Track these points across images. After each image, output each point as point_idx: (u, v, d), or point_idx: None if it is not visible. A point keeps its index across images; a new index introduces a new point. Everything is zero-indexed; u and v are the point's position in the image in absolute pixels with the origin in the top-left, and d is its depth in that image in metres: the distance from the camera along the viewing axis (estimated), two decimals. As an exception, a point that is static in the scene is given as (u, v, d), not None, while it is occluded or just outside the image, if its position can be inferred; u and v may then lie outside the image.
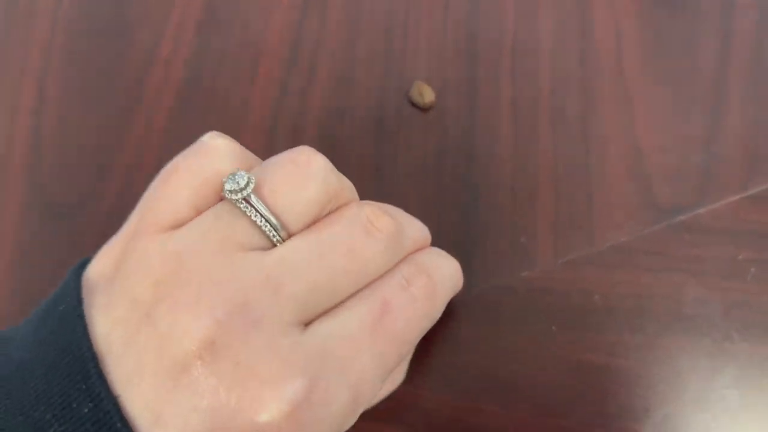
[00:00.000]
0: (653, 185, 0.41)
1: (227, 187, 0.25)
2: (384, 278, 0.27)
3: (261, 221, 0.24)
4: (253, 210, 0.24)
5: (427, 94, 0.43)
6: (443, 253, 0.34)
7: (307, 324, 0.24)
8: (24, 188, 0.43)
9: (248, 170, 0.27)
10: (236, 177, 0.25)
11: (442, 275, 0.30)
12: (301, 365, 0.22)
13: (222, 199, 0.26)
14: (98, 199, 0.43)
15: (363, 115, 0.44)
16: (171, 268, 0.23)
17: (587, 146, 0.42)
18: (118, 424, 0.21)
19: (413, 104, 0.43)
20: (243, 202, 0.25)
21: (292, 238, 0.25)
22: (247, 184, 0.25)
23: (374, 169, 0.43)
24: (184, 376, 0.21)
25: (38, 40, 0.46)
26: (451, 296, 0.33)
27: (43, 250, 0.42)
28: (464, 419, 0.37)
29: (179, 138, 0.44)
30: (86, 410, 0.21)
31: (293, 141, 0.44)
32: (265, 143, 0.44)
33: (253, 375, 0.22)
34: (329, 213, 0.27)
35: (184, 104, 0.45)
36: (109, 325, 0.23)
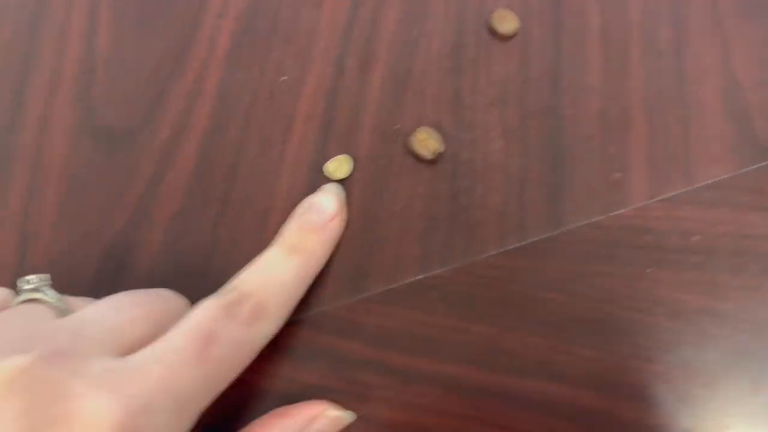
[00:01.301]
0: (753, 121, 0.39)
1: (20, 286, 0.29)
2: (203, 306, 0.28)
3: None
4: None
5: (509, 22, 0.40)
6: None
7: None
8: (75, 114, 0.40)
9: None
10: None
11: (267, 293, 0.31)
12: (115, 387, 0.23)
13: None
14: (154, 126, 0.40)
15: (439, 44, 0.41)
16: None
17: (681, 79, 0.40)
18: None
19: (494, 33, 0.41)
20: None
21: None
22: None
23: (453, 100, 0.40)
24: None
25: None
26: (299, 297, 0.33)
27: (95, 179, 0.39)
28: (556, 361, 0.34)
29: (241, 64, 0.42)
30: None
31: (362, 73, 0.41)
32: (332, 73, 0.41)
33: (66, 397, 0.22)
34: None
35: (246, 29, 0.42)
36: None
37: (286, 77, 0.41)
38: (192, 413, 0.25)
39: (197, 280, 0.37)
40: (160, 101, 0.41)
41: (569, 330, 0.35)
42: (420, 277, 0.36)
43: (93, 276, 0.37)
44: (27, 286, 0.29)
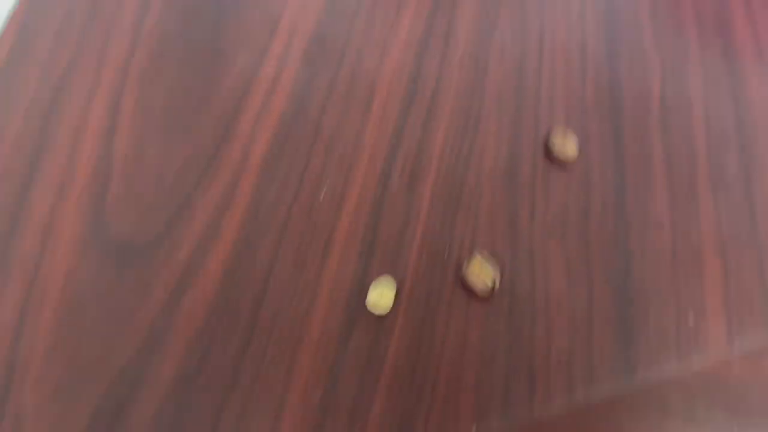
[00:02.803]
0: (831, 264, 0.36)
1: None
2: None
3: None
4: None
5: (568, 147, 0.37)
6: None
7: None
8: (84, 221, 0.36)
9: None
10: None
11: None
12: None
13: None
14: (174, 241, 0.36)
15: (492, 160, 0.38)
16: None
17: (752, 211, 0.37)
18: None
19: (551, 154, 0.38)
20: None
21: None
22: None
23: (508, 225, 0.36)
24: None
25: (115, 59, 0.40)
26: None
27: (101, 300, 0.34)
28: None
29: (278, 173, 0.38)
30: None
31: (410, 187, 0.37)
32: (376, 190, 0.38)
33: None
34: None
35: (285, 139, 0.39)
36: None
37: (325, 190, 0.37)
38: None
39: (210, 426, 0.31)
40: (183, 212, 0.36)
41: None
42: (473, 429, 0.31)
43: (88, 424, 0.31)
44: None
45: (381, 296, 0.34)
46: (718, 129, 0.39)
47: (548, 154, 0.38)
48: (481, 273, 0.34)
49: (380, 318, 0.34)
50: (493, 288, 0.34)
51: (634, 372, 0.33)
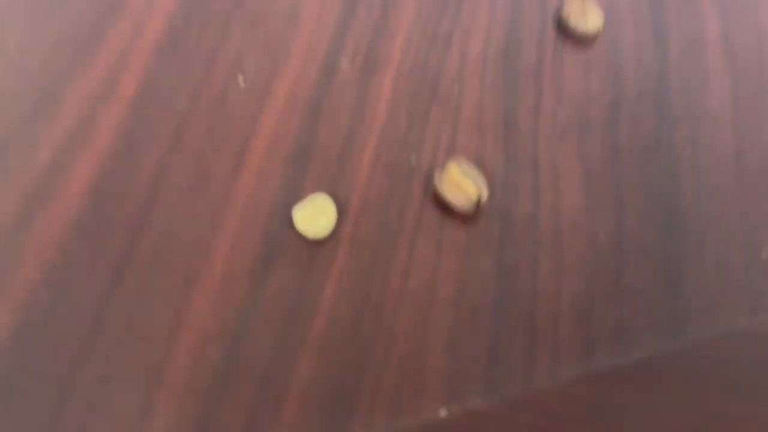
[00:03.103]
0: None
1: None
2: None
3: None
4: None
5: (591, 15, 0.27)
6: None
7: None
8: None
9: None
10: None
11: None
12: None
13: None
14: (32, 144, 0.25)
15: (482, 43, 0.28)
16: None
17: None
18: None
19: (565, 28, 0.27)
20: None
21: None
22: None
23: (503, 123, 0.26)
24: None
25: None
26: None
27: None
28: None
29: (178, 56, 0.27)
30: None
31: (363, 77, 0.27)
32: (316, 79, 0.27)
33: None
34: None
35: (192, 11, 0.28)
36: None
37: (243, 78, 0.27)
38: None
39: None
40: (47, 105, 0.26)
41: None
42: (443, 413, 0.21)
43: None
44: None
45: (313, 215, 0.23)
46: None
47: (561, 27, 0.27)
48: (462, 183, 0.23)
49: (313, 250, 0.23)
50: (478, 204, 0.23)
51: (685, 326, 0.22)
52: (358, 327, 0.22)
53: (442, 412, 0.21)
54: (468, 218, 0.24)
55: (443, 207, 0.24)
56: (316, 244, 0.24)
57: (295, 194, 0.24)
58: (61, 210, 0.24)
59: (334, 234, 0.24)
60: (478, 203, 0.23)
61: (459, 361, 0.22)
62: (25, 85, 0.27)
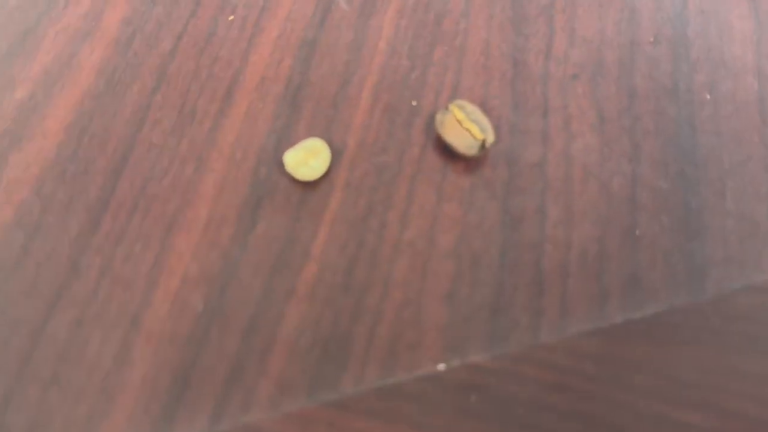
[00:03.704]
0: None
1: None
2: None
3: None
4: None
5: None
6: None
7: None
8: None
9: None
10: None
11: None
12: None
13: None
14: (9, 81, 0.24)
15: (487, -16, 0.26)
16: None
17: None
18: None
19: (576, -30, 0.25)
20: None
21: None
22: None
23: (511, 65, 0.24)
24: None
25: None
26: None
27: None
28: None
29: None
30: None
31: (362, 14, 0.25)
32: (311, 15, 0.25)
33: None
34: None
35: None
36: None
37: (233, 17, 0.25)
38: None
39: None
40: (27, 41, 0.24)
41: None
42: (441, 367, 0.19)
43: None
44: None
45: (306, 158, 0.22)
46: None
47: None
48: (466, 125, 0.22)
49: (305, 195, 0.22)
50: (483, 148, 0.22)
51: (704, 279, 0.20)
52: (351, 275, 0.21)
53: (440, 367, 0.20)
54: (472, 164, 0.22)
55: (445, 151, 0.22)
56: (308, 188, 0.22)
57: (286, 136, 0.23)
58: (38, 149, 0.23)
59: (328, 178, 0.22)
60: (482, 147, 0.22)
61: (459, 313, 0.20)
62: (4, 21, 0.25)
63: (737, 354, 0.20)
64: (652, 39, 0.24)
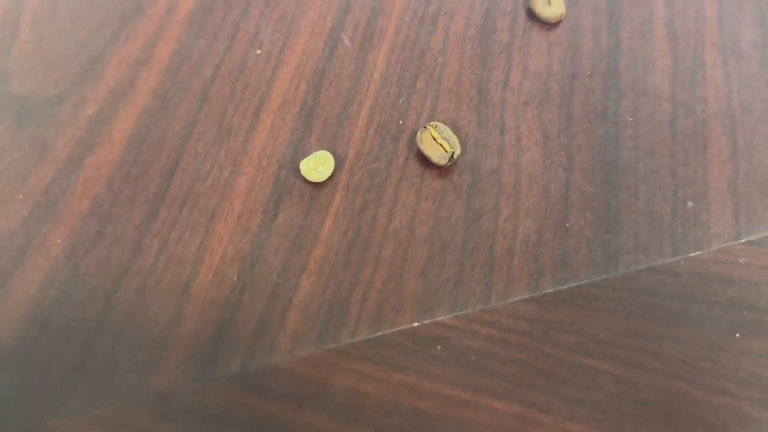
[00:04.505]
0: None
1: None
2: None
3: None
4: None
5: (556, 3, 0.31)
6: None
7: None
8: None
9: None
10: None
11: None
12: None
13: None
14: (81, 100, 0.30)
15: (462, 25, 0.32)
16: None
17: (771, 89, 0.31)
18: None
19: (533, 14, 0.32)
20: None
21: None
22: None
23: (476, 94, 0.30)
24: None
25: None
26: None
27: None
28: None
29: (206, 29, 0.31)
30: None
31: (361, 50, 0.32)
32: (321, 51, 0.32)
33: None
34: None
35: None
36: None
37: (261, 50, 0.32)
38: None
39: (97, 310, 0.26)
40: (94, 67, 0.31)
41: (622, 415, 0.24)
42: (416, 324, 0.26)
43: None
44: None
45: (317, 163, 0.28)
46: (736, -8, 0.32)
47: (531, 13, 0.32)
48: (439, 140, 0.28)
49: (315, 193, 0.28)
50: (452, 159, 0.28)
51: (617, 261, 0.27)
52: (350, 256, 0.27)
53: (415, 324, 0.26)
54: (443, 171, 0.29)
55: (423, 161, 0.29)
56: (317, 188, 0.29)
57: (301, 147, 0.29)
58: (107, 155, 0.29)
59: (332, 181, 0.29)
60: (452, 158, 0.28)
61: (430, 285, 0.27)
62: (76, 51, 0.32)
63: (639, 319, 0.26)
64: (589, 72, 0.31)
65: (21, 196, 0.28)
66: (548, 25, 0.32)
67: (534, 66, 0.31)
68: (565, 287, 0.27)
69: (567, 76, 0.31)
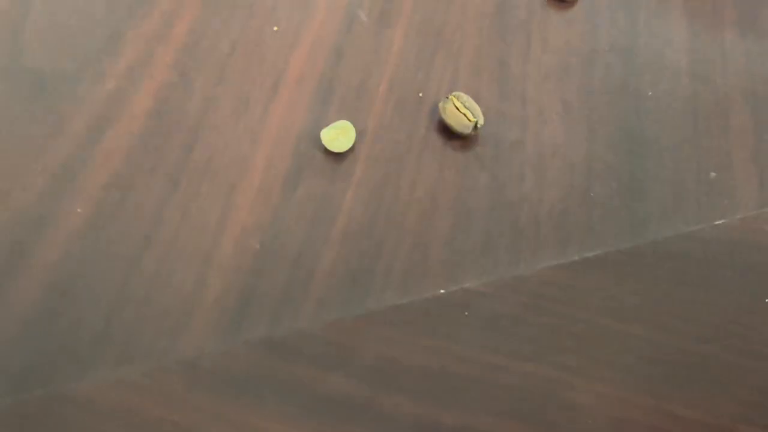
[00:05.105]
0: None
1: None
2: None
3: None
4: None
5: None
6: None
7: None
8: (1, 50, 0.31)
9: None
10: None
11: None
12: None
13: None
14: (99, 76, 0.30)
15: (479, 1, 0.32)
16: None
17: (788, 64, 0.31)
18: None
19: (550, -7, 0.32)
20: None
21: None
22: None
23: (497, 67, 0.30)
24: None
25: None
26: None
27: (10, 131, 0.29)
28: (633, 419, 0.23)
29: (223, 7, 0.31)
30: None
31: (379, 26, 0.32)
32: (339, 27, 0.32)
33: None
34: None
35: None
36: None
37: (277, 28, 0.32)
38: None
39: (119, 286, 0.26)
40: (111, 43, 0.31)
41: (653, 378, 0.24)
42: (443, 291, 0.26)
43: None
44: None
45: (337, 135, 0.28)
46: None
47: (548, -8, 0.32)
48: (462, 110, 0.28)
49: (336, 165, 0.28)
50: (475, 126, 0.28)
51: (644, 229, 0.27)
52: (373, 226, 0.27)
53: (441, 291, 0.26)
54: (466, 141, 0.29)
55: (445, 131, 0.29)
56: (339, 159, 0.28)
57: (320, 121, 0.29)
58: (127, 128, 0.29)
59: (353, 152, 0.29)
60: (475, 128, 0.28)
61: (456, 254, 0.26)
62: (94, 27, 0.31)
63: (668, 284, 0.26)
64: (608, 48, 0.31)
65: (39, 168, 0.28)
66: (565, 3, 0.32)
67: (553, 41, 0.31)
68: (592, 255, 0.26)
69: (586, 51, 0.31)
